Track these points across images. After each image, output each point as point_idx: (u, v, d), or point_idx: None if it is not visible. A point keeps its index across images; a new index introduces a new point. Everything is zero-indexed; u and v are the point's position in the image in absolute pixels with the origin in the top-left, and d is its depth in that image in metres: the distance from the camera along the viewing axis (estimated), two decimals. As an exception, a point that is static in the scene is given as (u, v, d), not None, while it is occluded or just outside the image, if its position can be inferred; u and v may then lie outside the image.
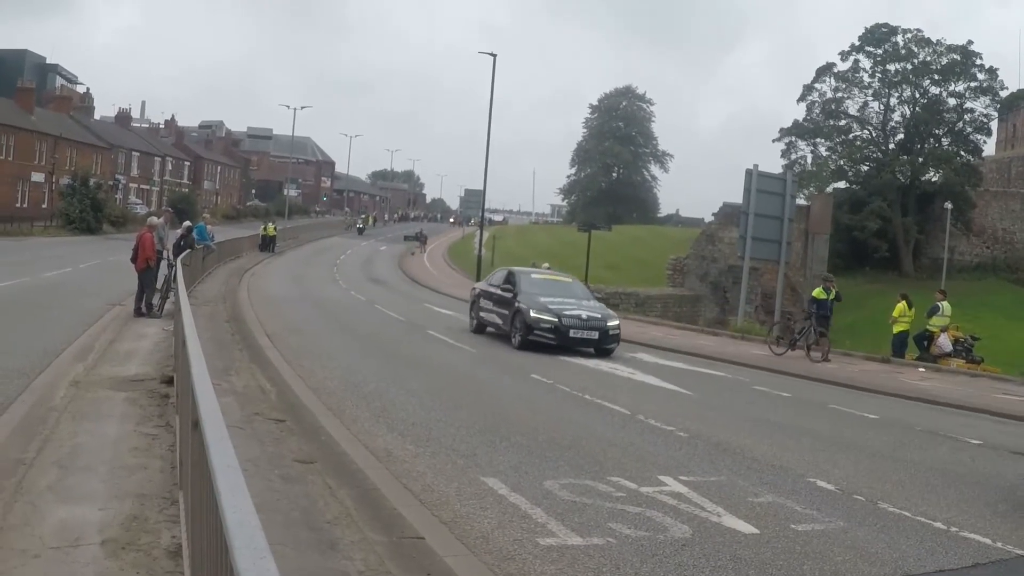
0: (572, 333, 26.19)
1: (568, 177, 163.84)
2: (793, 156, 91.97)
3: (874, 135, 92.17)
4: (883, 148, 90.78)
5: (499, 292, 28.89)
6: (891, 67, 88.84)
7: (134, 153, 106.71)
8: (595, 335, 26.55)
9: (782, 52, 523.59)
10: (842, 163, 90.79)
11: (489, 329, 29.76)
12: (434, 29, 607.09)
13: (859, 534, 9.84)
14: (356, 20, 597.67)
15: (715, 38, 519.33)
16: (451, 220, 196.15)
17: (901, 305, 32.30)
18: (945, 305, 32.05)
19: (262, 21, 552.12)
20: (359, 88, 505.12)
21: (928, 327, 32.01)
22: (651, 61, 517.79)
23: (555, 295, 27.83)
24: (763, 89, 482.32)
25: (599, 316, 27.05)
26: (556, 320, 26.17)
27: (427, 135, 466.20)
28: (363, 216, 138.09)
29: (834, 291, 31.47)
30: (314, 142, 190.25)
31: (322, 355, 21.84)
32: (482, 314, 30.04)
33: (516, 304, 27.26)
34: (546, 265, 52.29)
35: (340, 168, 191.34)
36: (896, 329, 32.31)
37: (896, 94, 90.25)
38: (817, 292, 31.33)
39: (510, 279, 29.14)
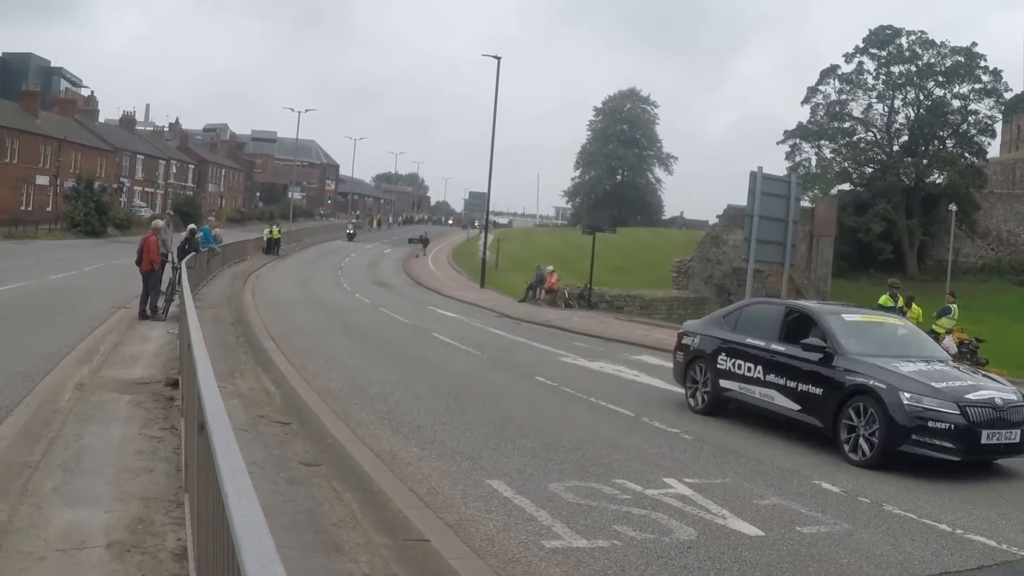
0: (985, 436, 13.71)
1: (572, 179, 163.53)
2: (797, 158, 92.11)
3: (878, 137, 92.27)
4: (887, 150, 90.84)
5: (780, 350, 16.26)
6: (895, 69, 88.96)
7: (138, 156, 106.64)
8: (1016, 436, 14.03)
9: (787, 57, 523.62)
10: (846, 165, 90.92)
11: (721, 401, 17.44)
12: (440, 38, 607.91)
13: (864, 536, 9.86)
14: (362, 29, 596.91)
15: (720, 44, 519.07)
16: (449, 222, 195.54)
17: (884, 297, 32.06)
18: (954, 308, 32.00)
19: (268, 29, 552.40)
20: (364, 94, 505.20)
21: (935, 327, 31.92)
22: (657, 67, 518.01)
23: (901, 354, 15.80)
24: (768, 93, 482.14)
25: (1016, 399, 14.53)
26: (956, 413, 13.68)
27: (432, 140, 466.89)
28: (355, 220, 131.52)
29: (902, 298, 29.62)
30: (318, 145, 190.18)
31: (327, 358, 21.86)
32: (727, 384, 17.00)
33: (851, 378, 14.73)
34: (550, 268, 52.34)
35: (344, 171, 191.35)
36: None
37: (900, 96, 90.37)
38: (884, 299, 29.29)
39: (803, 320, 16.63)
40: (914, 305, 31.25)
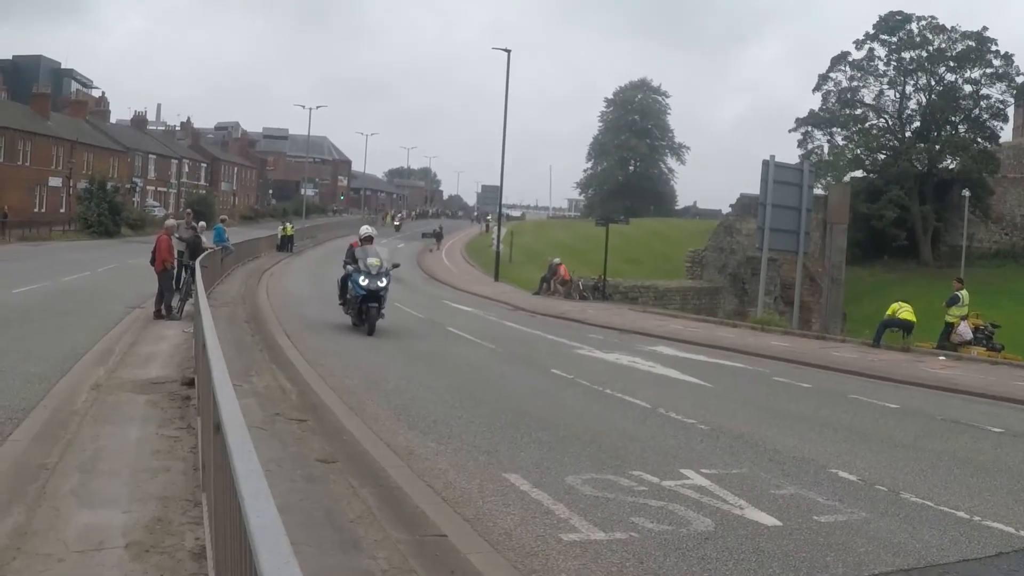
0: None
1: (585, 171, 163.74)
2: (810, 146, 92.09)
3: (890, 123, 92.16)
4: (899, 136, 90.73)
5: None
6: (906, 55, 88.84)
7: (151, 156, 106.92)
8: None
9: (800, 45, 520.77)
10: (859, 152, 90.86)
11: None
12: (449, 29, 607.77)
13: (882, 524, 9.83)
14: (371, 22, 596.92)
15: (732, 32, 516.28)
16: (460, 213, 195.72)
17: (894, 305, 31.96)
18: (963, 294, 31.82)
19: (276, 24, 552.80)
20: (375, 88, 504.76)
21: (947, 317, 31.81)
22: (668, 56, 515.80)
23: None
24: (781, 81, 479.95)
25: None
26: None
27: (444, 133, 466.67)
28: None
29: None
30: (330, 141, 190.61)
31: (342, 354, 21.87)
32: None
33: None
34: (557, 260, 52.39)
35: (357, 167, 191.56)
36: (903, 316, 31.70)
37: (911, 82, 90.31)
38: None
39: None
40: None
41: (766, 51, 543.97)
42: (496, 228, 74.62)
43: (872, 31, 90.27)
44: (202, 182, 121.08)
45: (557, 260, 53.16)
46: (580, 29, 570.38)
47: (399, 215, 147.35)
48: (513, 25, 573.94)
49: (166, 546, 7.56)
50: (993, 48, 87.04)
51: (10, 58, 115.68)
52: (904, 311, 31.21)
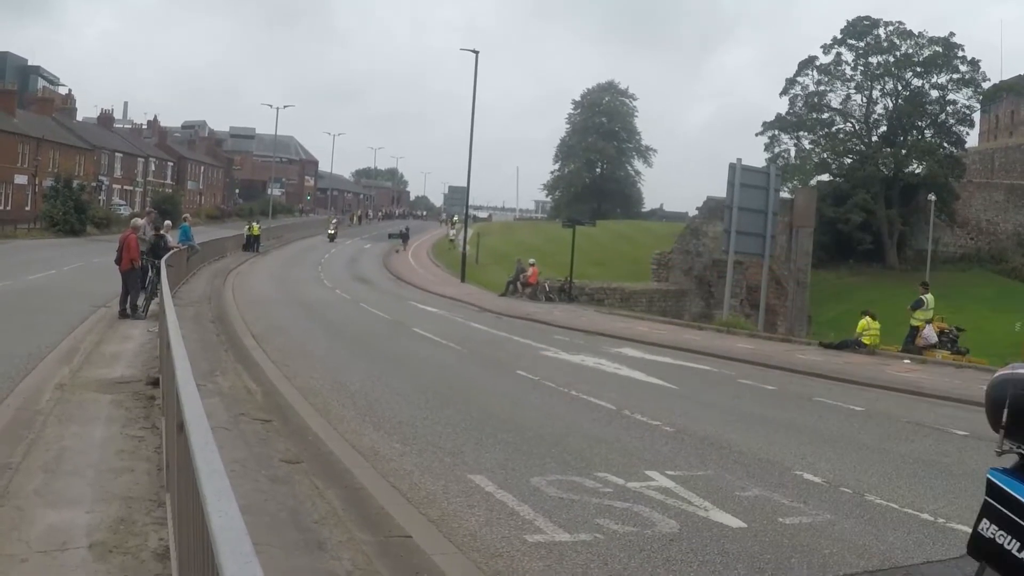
0: None
1: (552, 173, 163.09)
2: (776, 150, 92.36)
3: (857, 128, 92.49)
4: (866, 141, 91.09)
5: None
6: (873, 60, 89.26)
7: (117, 154, 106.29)
8: None
9: (772, 49, 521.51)
10: (825, 156, 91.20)
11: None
12: (420, 32, 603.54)
13: (846, 526, 9.87)
14: (341, 24, 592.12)
15: (701, 37, 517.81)
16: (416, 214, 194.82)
17: (864, 321, 31.97)
18: (928, 298, 32.01)
19: (245, 24, 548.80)
20: (344, 90, 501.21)
21: (912, 320, 31.99)
22: (638, 60, 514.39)
23: None
24: (751, 84, 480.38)
25: None
26: None
27: (412, 135, 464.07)
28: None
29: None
30: (297, 141, 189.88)
31: (308, 355, 21.82)
32: None
33: None
34: (532, 261, 52.27)
35: (324, 167, 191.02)
36: (865, 341, 31.69)
37: (878, 87, 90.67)
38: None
39: None
40: (877, 322, 31.91)
41: (738, 55, 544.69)
42: (458, 228, 74.31)
43: (840, 36, 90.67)
44: (168, 181, 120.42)
45: (532, 261, 53.05)
46: (553, 34, 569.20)
47: (334, 221, 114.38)
48: (486, 30, 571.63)
49: (130, 546, 7.51)
50: (960, 54, 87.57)
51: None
52: (868, 335, 31.32)
